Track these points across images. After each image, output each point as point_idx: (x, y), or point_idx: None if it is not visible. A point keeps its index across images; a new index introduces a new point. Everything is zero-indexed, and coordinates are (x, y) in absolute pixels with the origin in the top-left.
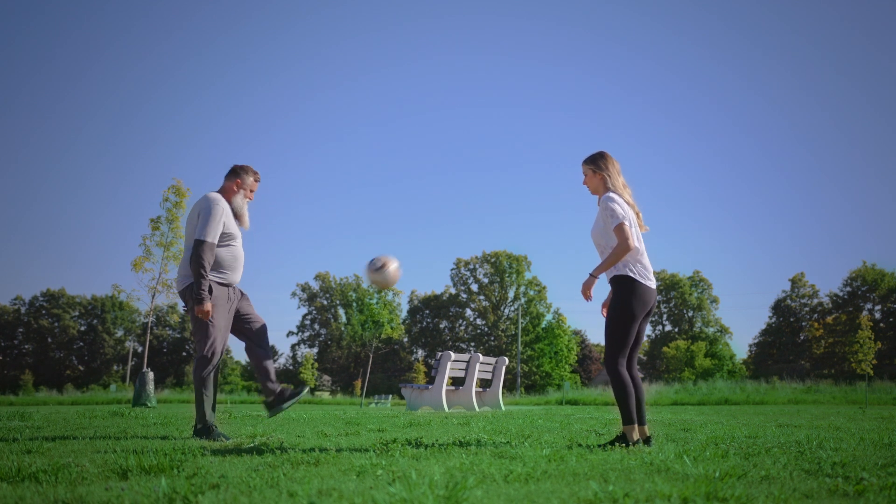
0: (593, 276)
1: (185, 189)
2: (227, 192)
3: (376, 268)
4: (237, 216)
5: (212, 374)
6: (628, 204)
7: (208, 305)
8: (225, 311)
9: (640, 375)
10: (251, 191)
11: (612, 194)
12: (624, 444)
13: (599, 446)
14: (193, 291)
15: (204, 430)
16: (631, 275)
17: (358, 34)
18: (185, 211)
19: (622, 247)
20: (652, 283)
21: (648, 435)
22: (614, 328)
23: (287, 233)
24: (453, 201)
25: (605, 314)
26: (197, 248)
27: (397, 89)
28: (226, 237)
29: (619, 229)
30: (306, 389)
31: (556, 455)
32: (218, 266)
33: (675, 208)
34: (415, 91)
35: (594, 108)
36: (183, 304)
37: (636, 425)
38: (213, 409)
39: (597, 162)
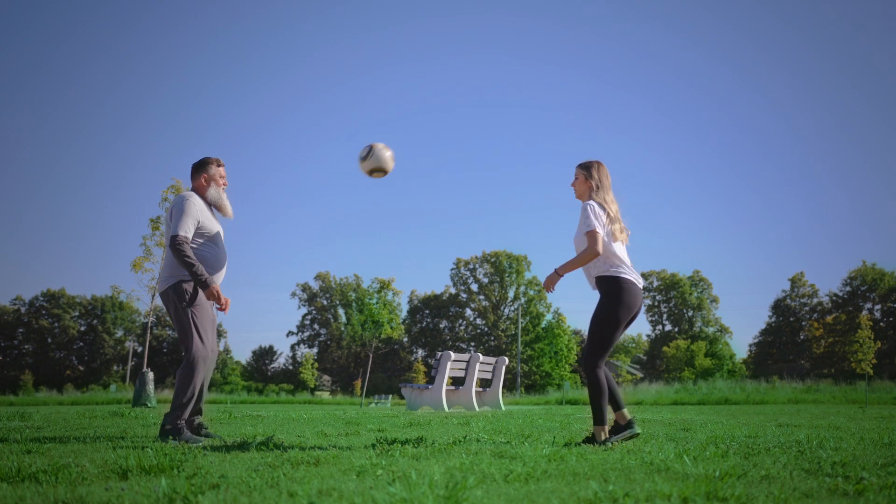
0: (557, 273)
1: (184, 189)
2: (199, 191)
3: (362, 157)
4: (218, 208)
5: (202, 377)
6: (612, 217)
7: (216, 287)
8: (208, 310)
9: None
10: (221, 177)
11: (591, 202)
12: (594, 444)
13: (576, 444)
14: (195, 280)
15: (174, 430)
16: (617, 274)
17: (359, 34)
18: None
19: (590, 251)
20: (639, 282)
21: (629, 418)
22: (597, 331)
23: (287, 233)
24: (453, 201)
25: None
26: (174, 244)
27: (397, 89)
28: (204, 235)
29: (591, 235)
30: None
31: (556, 455)
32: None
33: (675, 208)
34: (415, 91)
35: (594, 108)
36: (166, 308)
37: (606, 426)
38: (199, 411)
39: (590, 169)
